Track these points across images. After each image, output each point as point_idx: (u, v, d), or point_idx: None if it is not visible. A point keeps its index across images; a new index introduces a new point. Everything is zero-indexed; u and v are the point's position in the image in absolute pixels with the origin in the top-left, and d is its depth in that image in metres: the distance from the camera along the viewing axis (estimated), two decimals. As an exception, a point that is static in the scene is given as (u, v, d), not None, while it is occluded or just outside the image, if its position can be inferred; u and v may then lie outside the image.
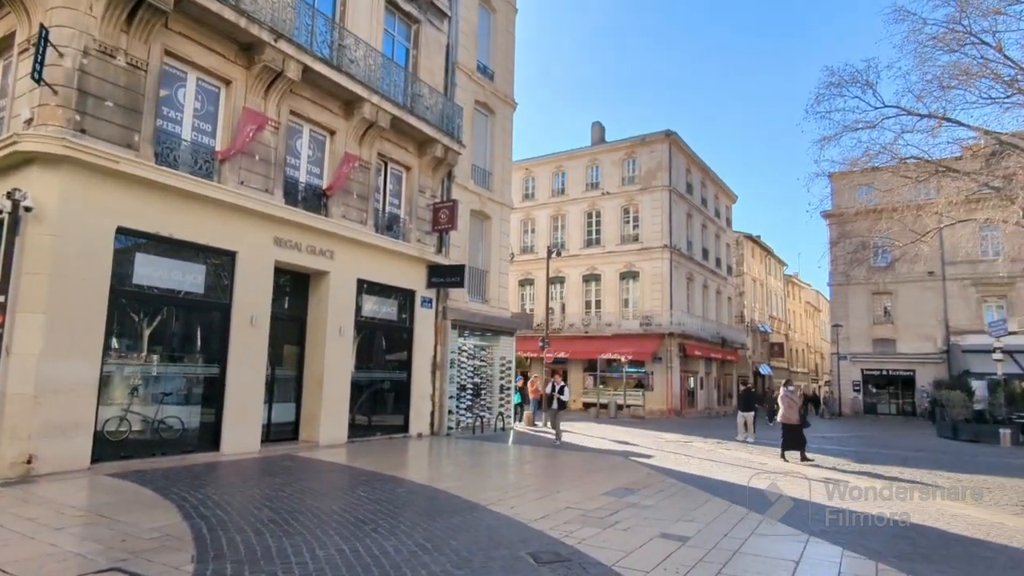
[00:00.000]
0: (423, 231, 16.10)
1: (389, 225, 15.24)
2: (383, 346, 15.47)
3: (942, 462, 14.40)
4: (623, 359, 29.74)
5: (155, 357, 10.40)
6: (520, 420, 20.91)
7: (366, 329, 14.65)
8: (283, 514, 6.69)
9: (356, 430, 13.86)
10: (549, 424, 19.97)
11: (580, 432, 19.51)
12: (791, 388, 15.05)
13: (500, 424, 18.68)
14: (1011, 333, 27.66)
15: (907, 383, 38.56)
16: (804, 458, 13.62)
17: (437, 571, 4.99)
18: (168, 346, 10.74)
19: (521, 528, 6.66)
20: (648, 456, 13.90)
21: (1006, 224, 27.01)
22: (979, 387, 24.77)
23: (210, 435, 10.78)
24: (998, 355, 26.32)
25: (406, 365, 15.60)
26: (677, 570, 5.35)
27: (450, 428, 16.67)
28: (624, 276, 34.44)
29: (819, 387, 60.37)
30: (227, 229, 10.87)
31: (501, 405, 18.99)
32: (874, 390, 39.05)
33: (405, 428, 15.33)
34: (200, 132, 10.99)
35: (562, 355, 31.08)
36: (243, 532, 5.90)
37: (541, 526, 6.71)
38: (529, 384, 21.93)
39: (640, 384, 32.71)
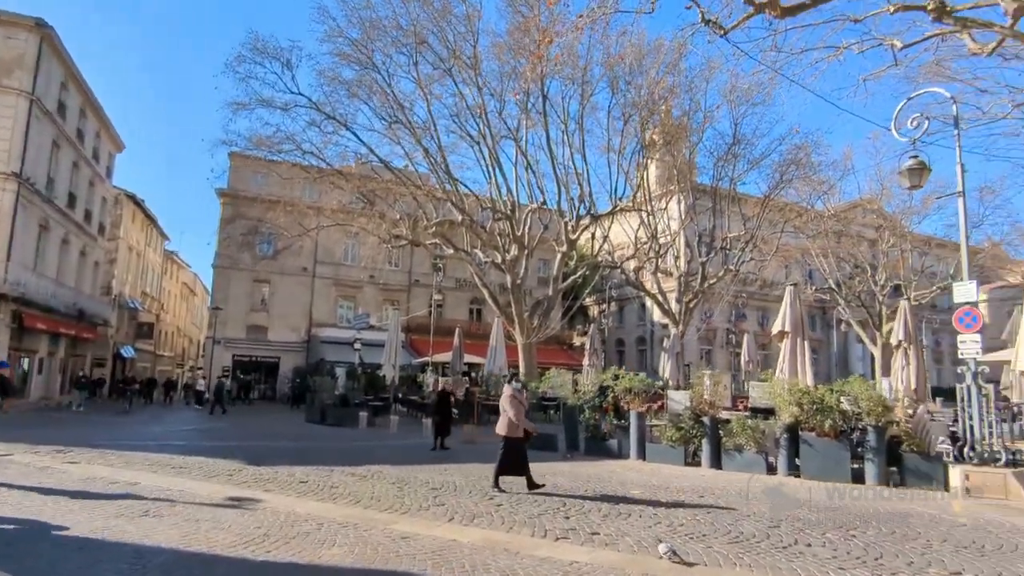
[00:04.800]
0: None
1: None
2: None
3: (343, 454, 13.05)
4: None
5: None
6: None
7: None
8: None
9: None
10: None
11: None
12: (518, 385, 9.69)
13: None
14: (371, 327, 30.73)
15: (271, 369, 38.64)
16: (533, 485, 8.65)
17: None
18: None
19: None
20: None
21: (372, 236, 30.34)
22: (340, 374, 25.98)
23: None
24: (358, 345, 28.58)
25: None
26: None
27: None
28: (-72, 203, 21.98)
29: (183, 372, 55.58)
30: None
31: None
32: (242, 376, 37.41)
33: None
34: None
35: None
36: None
37: None
38: None
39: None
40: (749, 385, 12.82)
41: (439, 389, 15.61)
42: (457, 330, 24.89)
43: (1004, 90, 16.50)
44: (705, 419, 11.94)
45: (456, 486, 8.98)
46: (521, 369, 24.90)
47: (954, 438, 10.22)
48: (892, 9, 11.74)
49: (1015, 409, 16.42)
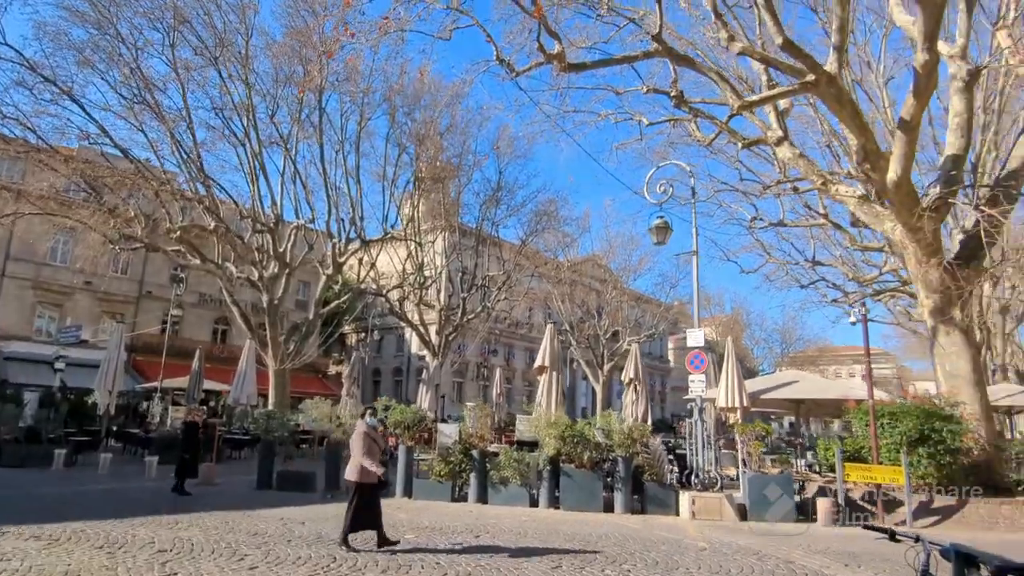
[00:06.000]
0: None
1: None
2: None
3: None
4: None
5: None
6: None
7: None
8: None
9: None
10: None
11: None
12: (374, 420, 7.67)
13: None
14: (82, 343, 24.38)
15: (-85, 390, 28.24)
16: (386, 541, 7.17)
17: None
18: None
19: None
20: None
21: (94, 233, 24.39)
22: (31, 399, 19.88)
23: None
24: (61, 364, 22.44)
25: None
26: None
27: None
28: None
29: None
30: None
31: None
32: None
33: None
34: None
35: None
36: None
37: None
38: None
39: None
40: (517, 418, 12.96)
41: (187, 419, 12.74)
42: (198, 351, 21.13)
43: (707, 178, 20.41)
44: (475, 452, 11.59)
45: (193, 545, 7.01)
46: (271, 398, 22.07)
47: (681, 467, 11.47)
48: (645, 90, 13.56)
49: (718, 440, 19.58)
